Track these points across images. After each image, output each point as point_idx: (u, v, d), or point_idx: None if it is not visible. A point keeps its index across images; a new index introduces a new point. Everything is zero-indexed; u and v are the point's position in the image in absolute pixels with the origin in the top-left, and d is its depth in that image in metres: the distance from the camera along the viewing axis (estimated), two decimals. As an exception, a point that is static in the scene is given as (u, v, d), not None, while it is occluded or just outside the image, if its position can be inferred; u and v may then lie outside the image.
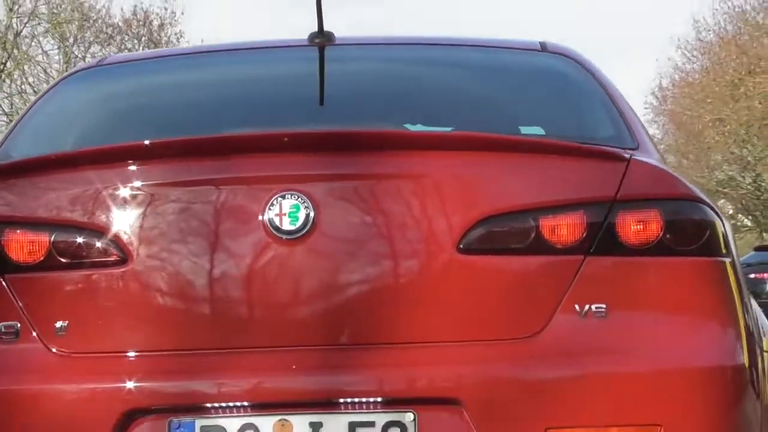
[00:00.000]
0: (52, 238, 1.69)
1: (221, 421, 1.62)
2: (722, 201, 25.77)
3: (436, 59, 2.52)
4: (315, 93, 2.23)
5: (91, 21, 23.78)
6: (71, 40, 23.52)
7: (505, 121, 2.27)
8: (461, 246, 1.65)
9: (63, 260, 1.69)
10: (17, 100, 22.50)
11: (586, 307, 1.65)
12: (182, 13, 25.15)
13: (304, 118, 2.22)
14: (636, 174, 1.71)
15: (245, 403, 1.63)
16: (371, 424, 1.61)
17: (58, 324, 1.67)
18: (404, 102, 2.34)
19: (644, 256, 1.68)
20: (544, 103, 2.35)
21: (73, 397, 1.66)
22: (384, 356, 1.64)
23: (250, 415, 1.62)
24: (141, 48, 23.83)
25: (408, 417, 1.61)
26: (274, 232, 1.62)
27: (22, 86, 22.98)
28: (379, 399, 1.61)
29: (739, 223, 28.17)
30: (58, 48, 23.38)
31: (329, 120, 2.18)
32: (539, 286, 1.67)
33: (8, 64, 22.48)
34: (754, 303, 1.98)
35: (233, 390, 1.64)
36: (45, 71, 22.90)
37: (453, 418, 1.62)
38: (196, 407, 1.64)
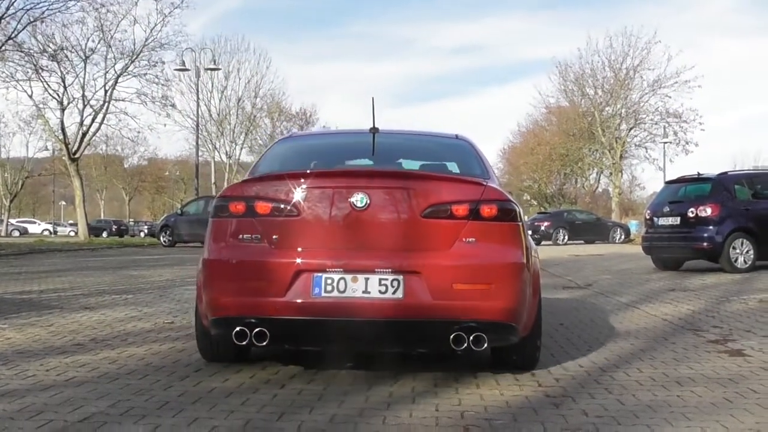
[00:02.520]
0: (272, 204, 4.15)
1: (331, 274, 3.99)
2: (525, 196, 64.24)
3: (418, 138, 5.80)
4: (371, 148, 5.04)
5: (284, 112, 56.88)
6: (276, 116, 56.25)
7: (443, 163, 5.21)
8: (422, 215, 4.07)
9: (276, 213, 4.15)
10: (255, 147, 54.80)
11: (467, 239, 4.05)
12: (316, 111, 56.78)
13: (367, 158, 5.08)
14: (488, 190, 4.17)
15: (341, 269, 3.97)
16: (387, 279, 3.95)
17: (274, 237, 4.11)
18: (403, 154, 5.32)
19: (490, 221, 4.10)
20: (458, 157, 5.21)
21: (278, 264, 4.04)
22: (392, 255, 4.01)
23: (342, 273, 3.98)
24: (303, 125, 57.69)
25: (401, 277, 3.95)
26: (355, 206, 4.09)
27: (253, 140, 55.27)
28: (389, 270, 3.96)
29: (531, 204, 66.28)
30: (270, 120, 56.19)
31: (376, 159, 4.98)
32: (452, 231, 4.06)
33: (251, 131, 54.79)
34: (530, 236, 4.62)
35: (337, 263, 3.99)
36: (267, 133, 55.78)
37: (417, 278, 3.96)
38: (322, 269, 3.99)
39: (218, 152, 51.47)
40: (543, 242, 35.14)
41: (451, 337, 4.00)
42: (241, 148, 52.95)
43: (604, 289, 10.89)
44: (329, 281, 3.99)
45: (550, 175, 62.74)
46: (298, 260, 4.04)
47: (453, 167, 5.12)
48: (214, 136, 51.18)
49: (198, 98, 42.94)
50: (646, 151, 50.99)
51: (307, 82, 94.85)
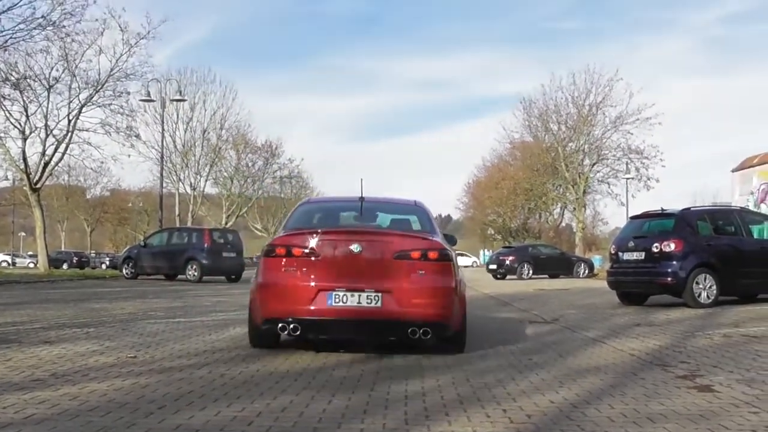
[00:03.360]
0: (302, 250, 6.87)
1: (338, 292, 6.61)
2: (490, 230, 64.65)
3: (389, 203, 8.66)
4: (359, 210, 7.92)
5: (249, 144, 56.79)
6: (241, 148, 56.08)
7: (406, 221, 8.01)
8: (393, 257, 6.77)
9: (305, 255, 6.85)
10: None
11: (419, 272, 6.75)
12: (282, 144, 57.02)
13: (358, 217, 8.00)
14: (432, 242, 6.99)
15: (344, 289, 6.61)
16: (371, 295, 6.59)
17: (303, 269, 6.80)
18: (380, 213, 8.33)
19: (433, 261, 6.80)
20: (415, 215, 8.10)
21: (307, 286, 6.72)
22: (374, 281, 6.64)
23: (345, 291, 6.62)
24: (269, 158, 57.72)
25: (380, 294, 6.62)
26: (353, 251, 6.81)
27: (218, 172, 55.30)
28: (373, 290, 6.60)
29: (495, 238, 66.62)
30: (236, 152, 55.92)
31: (363, 217, 7.95)
32: (410, 267, 6.74)
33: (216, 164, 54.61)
34: (462, 271, 7.39)
35: (341, 285, 6.63)
36: (232, 165, 55.84)
37: (389, 295, 6.60)
38: (332, 288, 6.65)
39: (183, 184, 51.12)
40: (508, 276, 35.29)
41: (409, 330, 6.70)
42: (206, 180, 52.73)
43: (570, 323, 10.91)
44: (337, 296, 6.59)
45: (515, 210, 63.34)
46: (318, 283, 6.67)
47: (412, 221, 7.95)
48: (179, 168, 50.83)
49: (163, 129, 42.67)
50: (609, 187, 51.75)
51: (274, 114, 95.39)
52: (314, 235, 6.88)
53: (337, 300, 6.56)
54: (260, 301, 6.92)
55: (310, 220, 7.90)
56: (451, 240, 7.85)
